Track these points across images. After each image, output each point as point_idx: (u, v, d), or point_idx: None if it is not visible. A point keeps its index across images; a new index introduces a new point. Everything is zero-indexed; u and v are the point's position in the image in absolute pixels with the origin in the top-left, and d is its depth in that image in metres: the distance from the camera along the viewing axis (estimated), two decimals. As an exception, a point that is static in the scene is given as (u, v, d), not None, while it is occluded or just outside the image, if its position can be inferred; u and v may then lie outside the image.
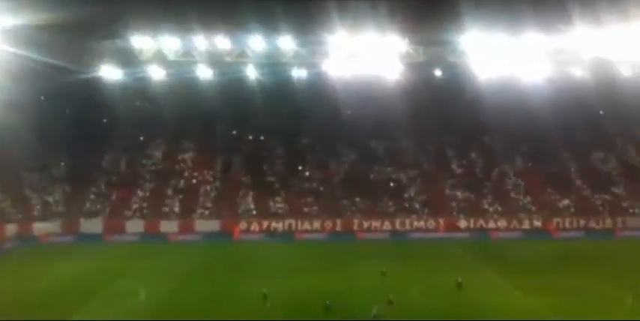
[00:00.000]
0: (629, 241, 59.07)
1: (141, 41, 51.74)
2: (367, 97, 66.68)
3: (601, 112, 75.71)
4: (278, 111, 72.44)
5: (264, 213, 64.93)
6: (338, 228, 63.55)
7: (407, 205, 66.42)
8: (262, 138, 77.37)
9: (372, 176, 70.76)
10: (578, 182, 69.57)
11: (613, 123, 74.94)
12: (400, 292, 38.13)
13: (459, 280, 39.96)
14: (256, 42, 51.60)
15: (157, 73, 56.33)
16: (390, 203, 66.61)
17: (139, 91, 65.40)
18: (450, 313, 34.83)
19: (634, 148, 74.07)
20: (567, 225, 63.80)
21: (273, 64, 53.70)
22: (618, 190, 67.97)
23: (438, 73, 58.87)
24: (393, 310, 34.05)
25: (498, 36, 50.62)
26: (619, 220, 63.77)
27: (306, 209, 65.71)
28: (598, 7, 44.88)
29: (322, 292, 37.59)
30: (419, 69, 55.52)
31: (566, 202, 66.31)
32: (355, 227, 63.62)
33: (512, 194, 68.15)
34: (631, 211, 65.05)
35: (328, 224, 63.61)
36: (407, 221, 64.17)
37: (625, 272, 44.79)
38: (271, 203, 66.44)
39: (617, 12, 45.20)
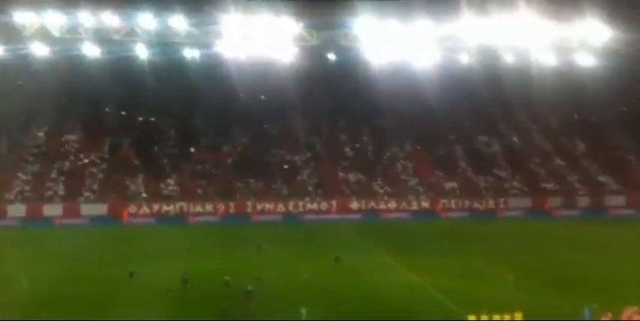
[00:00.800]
0: (510, 221, 62.24)
1: (24, 16, 48.86)
2: (261, 79, 66.29)
3: (485, 97, 78.84)
4: (169, 92, 70.81)
5: (155, 196, 63.62)
6: (231, 210, 63.25)
7: (300, 188, 66.90)
8: (153, 119, 75.49)
9: (265, 158, 70.71)
10: (463, 165, 72.32)
11: (496, 108, 78.24)
12: (282, 270, 39.11)
13: (338, 256, 41.30)
14: (146, 20, 49.95)
15: (40, 50, 53.52)
16: (284, 185, 66.89)
17: (21, 68, 62.09)
18: (325, 287, 35.62)
19: (515, 132, 77.68)
20: (453, 206, 66.34)
21: (164, 43, 52.20)
22: (500, 173, 71.14)
23: (331, 56, 59.46)
24: (266, 286, 34.39)
25: (390, 22, 51.40)
26: (501, 200, 66.90)
27: (198, 192, 64.88)
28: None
29: (216, 273, 37.39)
30: (313, 52, 55.69)
31: (452, 184, 68.80)
32: (249, 210, 63.54)
33: (402, 176, 70.03)
34: (512, 192, 68.36)
35: (221, 207, 63.16)
36: (300, 203, 64.69)
37: (506, 250, 47.15)
38: (162, 186, 65.17)
39: (501, 1, 47.02)
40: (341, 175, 69.71)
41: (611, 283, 35.59)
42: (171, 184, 65.47)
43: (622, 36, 50.28)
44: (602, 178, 70.41)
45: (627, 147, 75.05)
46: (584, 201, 67.35)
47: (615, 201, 67.15)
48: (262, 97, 71.92)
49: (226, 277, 35.48)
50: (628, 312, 27.52)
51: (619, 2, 48.66)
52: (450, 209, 65.85)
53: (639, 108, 75.78)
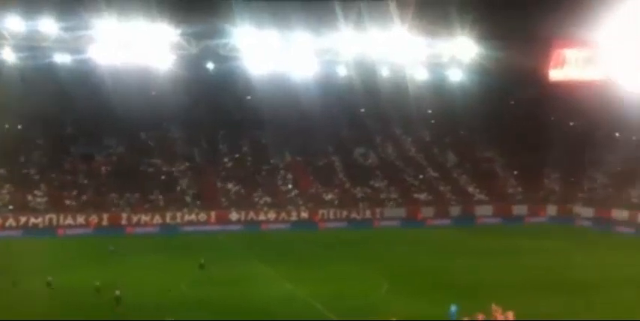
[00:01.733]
0: (385, 230, 63.92)
1: None
2: (138, 87, 64.59)
3: (362, 110, 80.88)
4: (38, 98, 67.35)
5: (22, 208, 60.25)
6: (104, 222, 60.96)
7: (178, 198, 65.56)
8: (20, 127, 71.63)
9: (141, 169, 68.81)
10: (341, 176, 73.53)
11: (373, 120, 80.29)
12: (155, 280, 38.60)
13: (202, 261, 41.61)
14: (14, 23, 47.47)
15: None
16: (161, 196, 65.30)
17: None
18: (201, 297, 35.28)
19: (391, 144, 79.95)
20: (331, 216, 67.19)
21: (32, 47, 49.73)
22: (376, 184, 72.86)
23: (210, 66, 58.92)
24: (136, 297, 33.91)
25: (270, 32, 51.71)
26: (377, 211, 68.48)
27: (68, 203, 62.09)
28: (361, 11, 47.85)
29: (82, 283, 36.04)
30: (191, 61, 54.94)
31: (330, 194, 69.70)
32: (123, 221, 61.47)
33: (281, 187, 70.22)
34: (387, 202, 70.16)
35: (94, 218, 60.73)
36: (178, 214, 63.36)
37: (382, 258, 48.39)
38: (30, 197, 61.84)
39: (378, 16, 48.48)
40: (220, 185, 68.97)
41: (480, 286, 37.18)
42: (38, 196, 62.26)
43: (489, 52, 53.12)
44: (471, 189, 73.61)
45: (494, 160, 78.97)
46: (454, 210, 70.15)
47: (483, 210, 70.30)
48: (139, 105, 69.79)
49: (97, 283, 34.90)
50: (494, 313, 28.81)
51: (487, 21, 51.35)
52: (329, 219, 66.65)
53: (507, 121, 79.88)
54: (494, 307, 29.25)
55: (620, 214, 65.38)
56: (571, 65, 57.37)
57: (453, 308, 30.35)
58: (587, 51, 53.03)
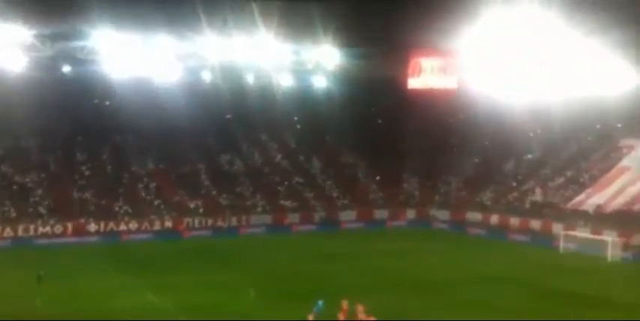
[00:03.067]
0: (251, 237, 63.52)
1: None
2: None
3: (228, 116, 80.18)
4: None
5: None
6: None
7: (31, 210, 61.85)
8: None
9: (-10, 179, 64.39)
10: (206, 183, 72.50)
11: (239, 127, 79.79)
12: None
13: (41, 273, 38.74)
14: None
15: None
16: (13, 208, 61.30)
17: None
18: (58, 313, 33.69)
19: (257, 151, 79.83)
20: (196, 225, 65.95)
21: None
22: (242, 191, 72.46)
23: (67, 69, 56.11)
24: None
25: (131, 36, 50.20)
26: (243, 218, 68.05)
27: None
28: (226, 16, 47.57)
29: None
30: (46, 64, 52.12)
31: (195, 202, 68.47)
32: (-30, 235, 57.21)
33: (144, 196, 68.15)
34: (253, 209, 69.94)
35: (-64, 233, 56.07)
36: (31, 227, 59.71)
37: (249, 265, 48.13)
38: None
39: (243, 21, 48.41)
40: (77, 195, 65.76)
41: (343, 289, 37.74)
42: None
43: (352, 60, 54.51)
44: (335, 195, 74.95)
45: (357, 166, 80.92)
46: (319, 216, 71.09)
47: (346, 216, 71.77)
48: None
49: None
50: (356, 311, 29.73)
51: (350, 29, 52.65)
52: (194, 228, 65.38)
53: (369, 128, 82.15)
54: (343, 302, 30.20)
55: (474, 216, 69.01)
56: (427, 73, 60.08)
57: (320, 302, 31.29)
58: (443, 60, 55.77)
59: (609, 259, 50.23)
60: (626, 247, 51.27)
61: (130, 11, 48.03)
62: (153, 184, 70.07)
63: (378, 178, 78.79)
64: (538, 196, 65.92)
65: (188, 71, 53.90)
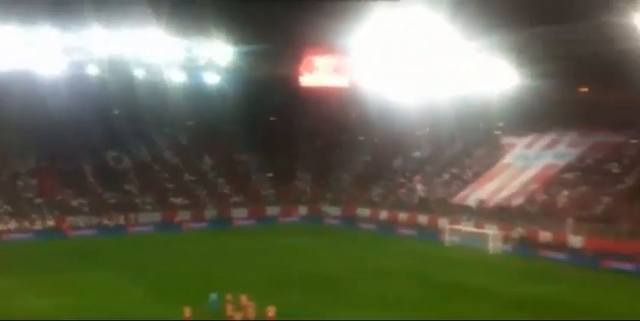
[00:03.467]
0: (140, 236, 62.10)
1: None
2: None
3: (116, 112, 77.75)
4: None
5: None
6: None
7: None
8: None
9: None
10: (92, 181, 70.09)
11: (127, 123, 77.44)
12: None
13: None
14: None
15: None
16: None
17: None
18: None
19: (146, 148, 77.95)
20: (81, 224, 63.70)
21: None
22: (130, 188, 70.60)
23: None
24: None
25: (10, 28, 47.62)
26: (131, 216, 66.31)
27: None
28: (114, 8, 46.10)
29: None
30: None
31: (80, 200, 66.11)
32: None
33: (24, 194, 65.10)
34: (141, 207, 68.30)
35: None
36: None
37: (137, 264, 46.92)
38: None
39: (132, 14, 47.06)
40: (-49, 194, 62.01)
41: (235, 285, 37.46)
42: None
43: (245, 57, 54.21)
44: (227, 192, 74.41)
45: (249, 163, 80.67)
46: (211, 213, 70.36)
47: (238, 213, 71.44)
48: None
49: None
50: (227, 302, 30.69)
51: (243, 25, 52.33)
52: (78, 227, 63.12)
53: (262, 125, 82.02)
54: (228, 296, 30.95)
55: (364, 212, 70.44)
56: (320, 71, 60.67)
57: (213, 296, 31.97)
58: (335, 58, 56.51)
59: (491, 251, 52.57)
60: (506, 239, 53.76)
61: (11, 2, 45.51)
62: (34, 182, 67.07)
63: (270, 175, 78.88)
64: (420, 190, 68.12)
65: (73, 65, 51.72)
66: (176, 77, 58.44)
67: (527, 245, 52.96)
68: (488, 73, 47.42)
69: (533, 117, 67.13)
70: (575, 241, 51.64)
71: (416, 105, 58.39)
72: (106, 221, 64.89)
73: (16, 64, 50.45)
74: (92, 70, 55.10)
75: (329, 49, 56.98)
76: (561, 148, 62.42)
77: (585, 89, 65.88)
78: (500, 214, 58.13)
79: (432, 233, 59.46)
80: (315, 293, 37.99)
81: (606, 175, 57.22)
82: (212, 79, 60.53)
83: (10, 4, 45.72)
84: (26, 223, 61.15)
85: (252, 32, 52.83)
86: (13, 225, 60.46)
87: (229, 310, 30.49)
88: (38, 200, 64.67)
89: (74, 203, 65.69)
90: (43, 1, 45.54)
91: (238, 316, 30.16)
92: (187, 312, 29.93)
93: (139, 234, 63.20)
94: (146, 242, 58.60)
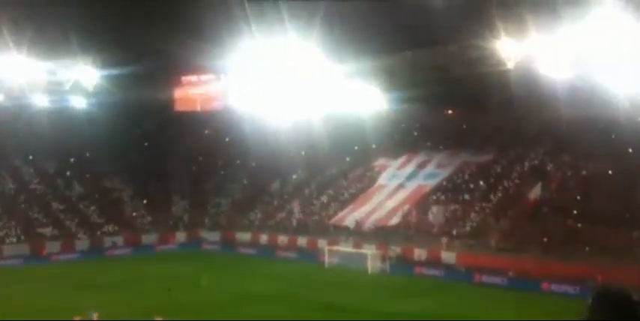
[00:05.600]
0: (6, 269, 57.35)
1: None
2: None
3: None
4: None
5: None
6: None
7: None
8: None
9: None
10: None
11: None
12: None
13: None
14: None
15: None
16: None
17: None
18: None
19: (10, 176, 73.57)
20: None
21: None
22: (-7, 220, 66.35)
23: None
24: None
25: None
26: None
27: None
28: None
29: None
30: None
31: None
32: None
33: None
34: (8, 239, 64.23)
35: None
36: None
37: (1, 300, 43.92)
38: None
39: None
40: None
41: (104, 316, 35.80)
42: None
43: (115, 81, 52.50)
44: (99, 221, 71.45)
45: (122, 189, 77.96)
46: (82, 244, 67.28)
47: (112, 242, 68.73)
48: None
49: None
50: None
51: (112, 47, 50.77)
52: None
53: (134, 151, 79.65)
54: None
55: (244, 236, 69.78)
56: (194, 95, 59.83)
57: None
58: (209, 82, 55.94)
59: (370, 271, 53.38)
60: (383, 258, 54.83)
61: None
62: None
63: (144, 201, 76.54)
64: (297, 213, 68.42)
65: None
66: (40, 101, 55.69)
67: (404, 263, 54.25)
68: (358, 97, 48.49)
69: (403, 139, 69.61)
70: (449, 257, 53.43)
71: (291, 128, 58.78)
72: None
73: None
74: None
75: (202, 72, 56.38)
76: (432, 168, 64.73)
77: (451, 111, 69.14)
78: (378, 234, 59.32)
79: (312, 255, 59.69)
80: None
81: (474, 192, 59.77)
82: (79, 103, 58.19)
83: None
84: None
85: (122, 55, 51.31)
86: None
87: None
88: None
89: None
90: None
91: None
92: None
93: (5, 267, 59.16)
94: (13, 275, 54.91)
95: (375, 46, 43.46)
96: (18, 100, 54.63)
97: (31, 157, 76.46)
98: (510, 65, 38.31)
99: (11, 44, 44.21)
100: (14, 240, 64.58)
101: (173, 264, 59.06)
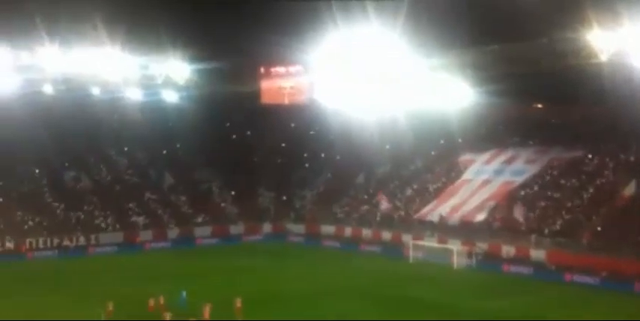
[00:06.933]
0: (100, 257, 60.93)
1: None
2: None
3: (72, 131, 76.18)
4: None
5: None
6: None
7: None
8: None
9: None
10: (50, 201, 68.79)
11: (85, 142, 76.36)
12: None
13: None
14: None
15: None
16: None
17: None
18: None
19: (106, 167, 76.82)
20: (41, 245, 62.32)
21: None
22: (90, 208, 69.42)
23: None
24: None
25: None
26: (92, 236, 65.14)
27: None
28: (67, 26, 45.62)
29: None
30: None
31: (38, 221, 64.81)
32: None
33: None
34: (102, 228, 67.16)
35: None
36: None
37: (93, 286, 45.97)
38: None
39: (86, 33, 46.52)
40: None
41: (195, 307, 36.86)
42: None
43: (204, 75, 53.84)
44: (189, 211, 73.61)
45: (211, 181, 79.94)
46: (173, 233, 69.52)
47: (201, 232, 70.71)
48: None
49: None
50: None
51: (200, 42, 52.10)
52: (38, 249, 61.77)
53: (222, 143, 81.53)
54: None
55: (328, 229, 70.24)
56: (280, 89, 60.47)
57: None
58: (296, 75, 56.33)
59: (455, 266, 52.77)
60: (470, 254, 54.06)
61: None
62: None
63: (232, 193, 78.27)
64: (383, 208, 68.14)
65: (27, 84, 50.72)
66: (134, 95, 57.82)
67: (491, 260, 53.30)
68: (444, 91, 47.82)
69: (490, 134, 68.05)
70: (538, 255, 52.14)
71: (375, 122, 58.59)
72: (66, 242, 63.58)
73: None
74: (47, 89, 54.14)
75: (289, 66, 56.92)
76: (519, 164, 63.01)
77: (540, 106, 67.03)
78: (463, 229, 58.45)
79: (395, 249, 59.50)
80: (273, 312, 37.66)
81: (564, 189, 57.92)
82: (170, 97, 60.02)
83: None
84: (-16, 247, 59.75)
85: (211, 49, 52.61)
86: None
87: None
88: (-5, 222, 63.20)
89: (34, 224, 64.33)
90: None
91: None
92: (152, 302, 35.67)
93: (99, 255, 62.09)
94: (107, 263, 57.68)
95: (461, 39, 42.76)
96: (113, 93, 56.92)
97: (125, 149, 79.67)
98: (603, 58, 36.81)
99: (107, 40, 46.15)
100: (109, 228, 67.44)
101: (258, 255, 60.28)
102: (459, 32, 42.59)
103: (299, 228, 72.82)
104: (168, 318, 33.70)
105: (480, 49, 42.36)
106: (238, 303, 36.43)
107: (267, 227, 74.08)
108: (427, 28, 42.35)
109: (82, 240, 64.53)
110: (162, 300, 37.82)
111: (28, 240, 62.01)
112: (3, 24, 44.46)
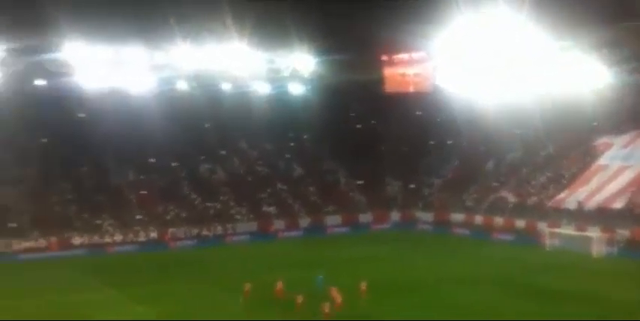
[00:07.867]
0: (237, 246, 63.37)
1: None
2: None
3: (206, 125, 79.67)
4: None
5: None
6: None
7: (14, 225, 61.21)
8: None
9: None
10: (188, 193, 72.14)
11: (217, 135, 79.40)
12: None
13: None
14: None
15: None
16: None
17: None
18: None
19: (237, 159, 79.58)
20: (182, 234, 65.59)
21: None
22: (225, 199, 72.17)
23: (40, 82, 55.33)
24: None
25: (102, 47, 49.81)
26: (228, 226, 67.80)
27: None
28: (198, 25, 47.52)
29: None
30: (17, 78, 51.39)
31: (178, 212, 68.15)
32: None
33: (127, 208, 67.73)
34: (238, 217, 69.69)
35: None
36: (13, 242, 59.17)
37: (232, 274, 47.73)
38: None
39: (215, 30, 48.33)
40: (59, 209, 65.26)
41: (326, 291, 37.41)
42: None
43: (328, 67, 54.57)
44: (318, 200, 74.81)
45: (338, 171, 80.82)
46: (304, 222, 70.99)
47: (332, 220, 71.74)
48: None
49: None
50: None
51: (324, 35, 52.75)
52: (179, 238, 65.06)
53: (348, 133, 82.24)
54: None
55: (457, 217, 69.17)
56: (403, 77, 60.22)
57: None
58: (418, 63, 55.95)
59: (595, 254, 50.51)
60: (610, 242, 51.54)
61: (101, 23, 47.62)
62: (134, 196, 69.66)
63: (359, 182, 78.77)
64: (515, 194, 66.22)
65: (163, 81, 53.52)
66: (262, 89, 59.43)
67: (634, 247, 50.53)
68: (576, 72, 45.63)
69: (629, 115, 64.12)
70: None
71: (503, 107, 56.89)
72: (204, 232, 66.53)
73: (108, 83, 52.56)
74: (181, 86, 56.73)
75: (411, 54, 56.53)
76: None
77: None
78: (601, 216, 55.74)
79: (530, 238, 57.67)
80: (405, 298, 37.67)
81: None
82: (297, 90, 61.18)
83: (99, 25, 47.74)
84: (130, 236, 63.55)
85: (333, 42, 53.13)
86: (118, 238, 62.99)
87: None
88: (139, 213, 67.07)
89: (174, 215, 67.75)
90: (130, 21, 47.31)
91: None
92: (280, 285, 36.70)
93: (236, 243, 64.44)
94: (243, 251, 59.84)
95: (594, 16, 40.61)
96: (242, 87, 58.84)
97: (255, 141, 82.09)
98: None
99: (235, 37, 47.77)
100: (243, 218, 69.88)
101: (388, 243, 60.39)
102: (592, 9, 40.42)
103: (428, 216, 72.18)
104: (299, 301, 34.74)
105: (616, 26, 40.09)
106: (363, 286, 37.31)
107: (395, 215, 74.02)
108: (556, 6, 40.50)
109: (219, 229, 67.24)
110: (287, 285, 38.84)
111: (170, 230, 65.40)
112: (137, 26, 47.03)
